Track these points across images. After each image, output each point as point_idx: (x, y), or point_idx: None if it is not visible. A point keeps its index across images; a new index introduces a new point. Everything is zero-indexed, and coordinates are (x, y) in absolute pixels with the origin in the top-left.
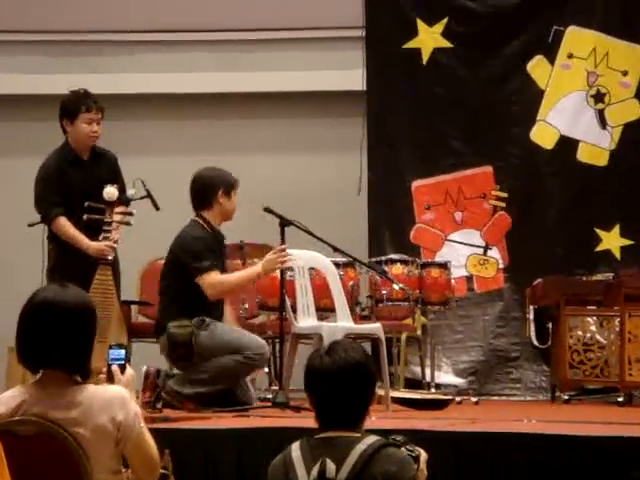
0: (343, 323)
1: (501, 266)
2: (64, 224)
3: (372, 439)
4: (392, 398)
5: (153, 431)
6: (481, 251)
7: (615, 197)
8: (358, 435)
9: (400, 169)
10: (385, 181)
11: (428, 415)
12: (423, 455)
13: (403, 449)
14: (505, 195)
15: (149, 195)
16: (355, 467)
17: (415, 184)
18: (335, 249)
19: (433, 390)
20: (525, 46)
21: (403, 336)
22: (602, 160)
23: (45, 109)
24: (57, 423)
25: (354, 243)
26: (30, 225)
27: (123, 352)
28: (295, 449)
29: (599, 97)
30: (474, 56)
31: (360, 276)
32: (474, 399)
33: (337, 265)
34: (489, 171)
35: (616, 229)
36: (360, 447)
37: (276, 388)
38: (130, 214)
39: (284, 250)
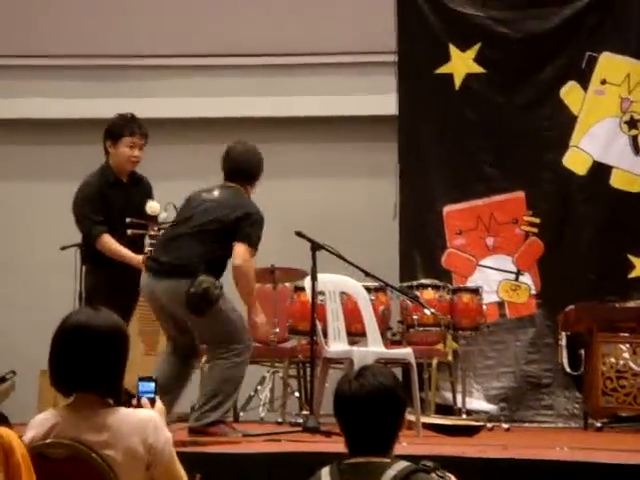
0: (374, 348)
1: (533, 292)
2: (108, 241)
3: (402, 465)
4: (423, 424)
5: (183, 455)
6: (513, 277)
7: None
8: (388, 461)
9: (432, 194)
10: (417, 206)
11: (459, 441)
12: None
13: (433, 475)
14: (537, 221)
15: None
16: None
17: (447, 209)
18: (366, 274)
19: (464, 416)
20: (558, 72)
21: (434, 361)
22: (636, 186)
23: (78, 133)
24: (89, 446)
25: (385, 268)
26: (63, 248)
27: (153, 385)
28: (325, 474)
29: (633, 123)
30: (507, 82)
31: (391, 301)
32: (505, 425)
33: (368, 290)
34: (521, 196)
35: None
36: (390, 473)
37: (307, 413)
38: (167, 223)
39: None
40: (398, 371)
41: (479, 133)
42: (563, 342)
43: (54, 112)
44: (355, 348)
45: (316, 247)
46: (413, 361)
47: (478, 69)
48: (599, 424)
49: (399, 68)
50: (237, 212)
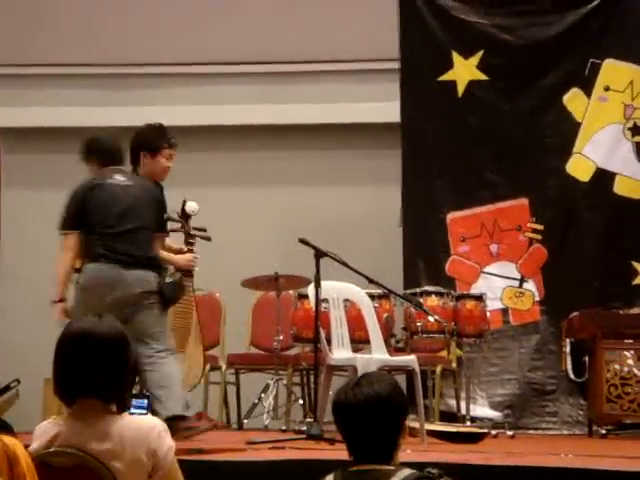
0: (378, 355)
1: (537, 299)
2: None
3: (406, 472)
4: (427, 431)
5: (188, 463)
6: (517, 283)
7: None
8: (392, 468)
9: (435, 201)
10: (420, 213)
11: (463, 448)
12: None
13: None
14: (541, 227)
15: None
16: None
17: (450, 216)
18: (370, 281)
19: (468, 423)
20: (561, 79)
21: (438, 368)
22: (639, 193)
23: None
24: (93, 455)
25: (389, 275)
26: None
27: (145, 402)
28: None
29: (636, 130)
30: (510, 89)
31: (395, 308)
32: (510, 432)
33: (372, 297)
34: (525, 203)
35: None
36: None
37: (310, 420)
38: (202, 230)
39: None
40: (402, 378)
41: (482, 140)
42: (567, 349)
43: (57, 121)
44: (359, 355)
45: (320, 254)
46: (417, 368)
47: (481, 76)
48: (603, 431)
49: (402, 75)
50: (160, 201)
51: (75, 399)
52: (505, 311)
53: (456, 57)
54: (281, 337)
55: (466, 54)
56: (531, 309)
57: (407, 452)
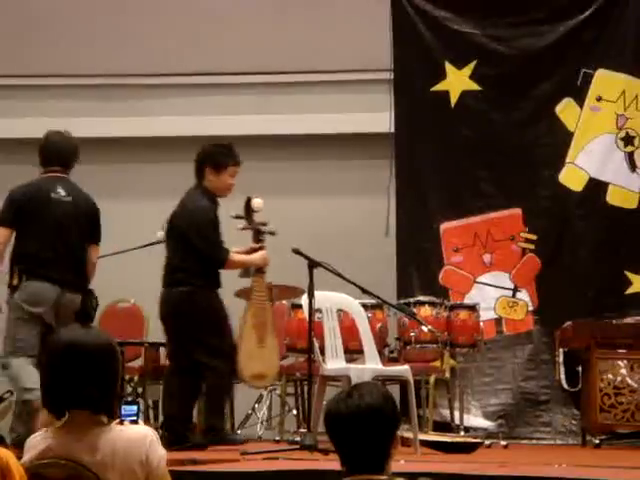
0: (371, 365)
1: (530, 308)
2: (234, 255)
3: None
4: (421, 441)
5: (181, 474)
6: (510, 293)
7: None
8: (385, 478)
9: (428, 211)
10: (413, 223)
11: (457, 458)
12: None
13: None
14: (534, 237)
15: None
16: None
17: (443, 226)
18: (364, 291)
19: (462, 433)
20: (554, 89)
21: (432, 378)
22: (632, 203)
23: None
24: (84, 466)
25: (382, 285)
26: None
27: (135, 408)
28: None
29: (628, 140)
30: (503, 99)
31: (388, 318)
32: (503, 442)
33: (365, 307)
34: (518, 213)
35: None
36: None
37: (304, 431)
38: (264, 224)
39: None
40: (396, 388)
41: (475, 150)
42: (560, 359)
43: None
44: (352, 366)
45: (313, 264)
46: (410, 378)
47: (474, 86)
48: (597, 441)
49: (395, 86)
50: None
51: (65, 411)
52: (498, 321)
53: (449, 67)
54: None
55: (459, 64)
56: (524, 319)
57: (400, 462)
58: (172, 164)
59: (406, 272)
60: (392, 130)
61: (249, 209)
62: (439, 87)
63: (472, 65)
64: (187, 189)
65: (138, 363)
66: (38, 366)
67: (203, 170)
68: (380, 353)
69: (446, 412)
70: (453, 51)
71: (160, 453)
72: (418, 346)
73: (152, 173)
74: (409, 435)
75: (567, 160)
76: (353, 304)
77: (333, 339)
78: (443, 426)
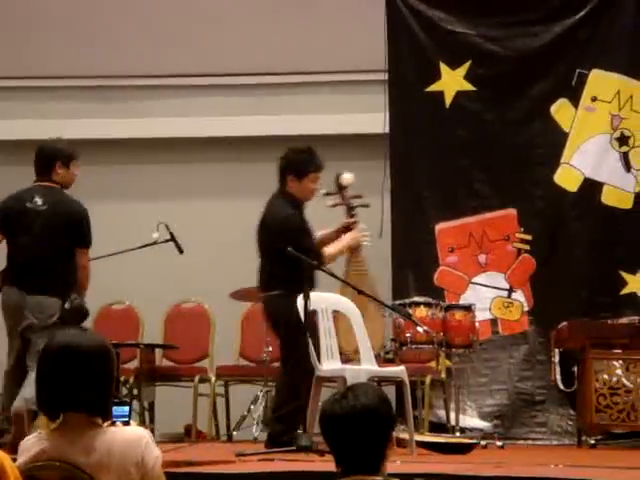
0: (367, 366)
1: (526, 309)
2: (328, 250)
3: None
4: (416, 442)
5: (177, 476)
6: (505, 294)
7: None
8: (380, 479)
9: (423, 212)
10: (409, 224)
11: (453, 459)
12: None
13: None
14: (529, 238)
15: (173, 239)
16: None
17: (439, 227)
18: (359, 292)
19: (458, 434)
20: (548, 89)
21: (427, 379)
22: (627, 203)
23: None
24: (79, 467)
25: (377, 286)
26: None
27: (127, 409)
28: None
29: (623, 140)
30: (497, 99)
31: (384, 319)
32: (499, 443)
33: None
34: (513, 214)
35: None
36: None
37: (300, 431)
38: (358, 197)
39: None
40: (391, 389)
41: (470, 150)
42: (556, 359)
43: (44, 133)
44: (348, 366)
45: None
46: (406, 379)
47: (468, 87)
48: (593, 441)
49: (389, 86)
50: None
51: (59, 413)
52: (494, 321)
53: (444, 68)
54: (270, 348)
55: (453, 65)
56: (520, 319)
57: (396, 463)
58: (170, 165)
59: (401, 273)
60: (387, 131)
61: (339, 185)
62: (434, 87)
63: (467, 65)
64: (185, 190)
65: (133, 364)
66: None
67: (285, 177)
68: (376, 354)
69: (442, 413)
70: (448, 51)
71: (156, 454)
72: (414, 347)
73: (150, 174)
74: (405, 436)
75: (562, 160)
76: (349, 305)
77: (329, 340)
78: (439, 427)
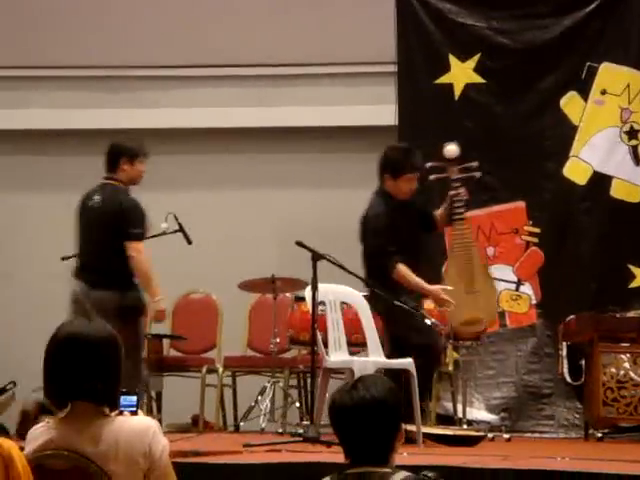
0: (374, 358)
1: (534, 302)
2: (403, 269)
3: (403, 475)
4: (424, 434)
5: (184, 466)
6: (513, 287)
7: None
8: (389, 471)
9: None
10: None
11: (460, 451)
12: None
13: None
14: (538, 230)
15: (181, 229)
16: None
17: None
18: (367, 283)
19: (465, 426)
20: (558, 82)
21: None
22: (636, 196)
23: (78, 144)
24: (87, 457)
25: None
26: (64, 259)
27: (135, 399)
28: None
29: (633, 133)
30: (507, 92)
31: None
32: (506, 436)
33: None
34: (521, 206)
35: None
36: None
37: (307, 423)
38: (472, 169)
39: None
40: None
41: (479, 143)
42: (564, 352)
43: (53, 123)
44: (355, 358)
45: (317, 257)
46: (414, 371)
47: (478, 79)
48: (600, 434)
49: (399, 78)
50: None
51: (67, 402)
52: (502, 314)
53: (453, 60)
54: (278, 340)
55: (463, 57)
56: (528, 312)
57: (403, 455)
58: (179, 156)
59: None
60: (396, 123)
61: (443, 158)
62: (443, 80)
63: (476, 58)
64: (193, 181)
65: None
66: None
67: (383, 175)
68: (383, 346)
69: (449, 405)
70: (457, 44)
71: (163, 444)
72: None
73: (159, 165)
74: (412, 428)
75: (571, 154)
76: (357, 297)
77: (336, 331)
78: (446, 419)
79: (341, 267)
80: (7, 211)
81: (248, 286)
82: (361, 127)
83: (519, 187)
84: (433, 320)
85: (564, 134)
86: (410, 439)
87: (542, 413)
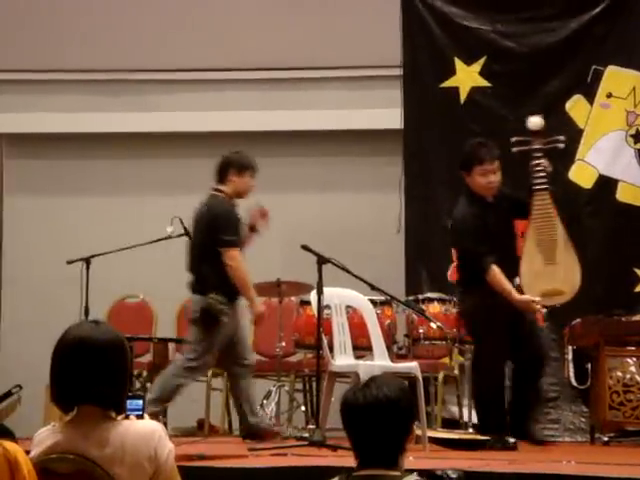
0: (380, 362)
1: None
2: (497, 274)
3: (412, 478)
4: (429, 438)
5: (190, 470)
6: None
7: None
8: (398, 474)
9: (437, 208)
10: (422, 220)
11: (465, 455)
12: None
13: None
14: None
15: (187, 233)
16: None
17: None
18: (372, 287)
19: (470, 430)
20: (564, 85)
21: (440, 375)
22: None
23: (83, 148)
24: (93, 461)
25: (391, 281)
26: (69, 262)
27: (141, 402)
28: None
29: (638, 137)
30: (512, 95)
31: (397, 314)
32: (512, 440)
33: (374, 303)
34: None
35: None
36: None
37: (313, 426)
38: (558, 141)
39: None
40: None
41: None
42: (569, 356)
43: (60, 126)
44: (361, 362)
45: (322, 261)
46: (419, 375)
47: (483, 83)
48: (606, 438)
49: (404, 82)
50: None
51: (73, 405)
52: None
53: (458, 63)
54: (283, 343)
55: (468, 60)
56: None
57: (409, 459)
58: (185, 159)
59: (415, 268)
60: (402, 126)
61: (528, 130)
62: (448, 83)
63: (482, 61)
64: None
65: (147, 358)
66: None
67: (461, 173)
68: (389, 349)
69: (455, 409)
70: (463, 47)
71: (169, 448)
72: (427, 343)
73: (165, 168)
74: (418, 432)
75: (577, 157)
76: (362, 300)
77: (342, 335)
78: (452, 423)
79: (346, 271)
80: (13, 215)
81: (258, 290)
82: (366, 131)
83: (524, 190)
84: (439, 324)
85: (570, 137)
86: (416, 442)
87: (548, 417)
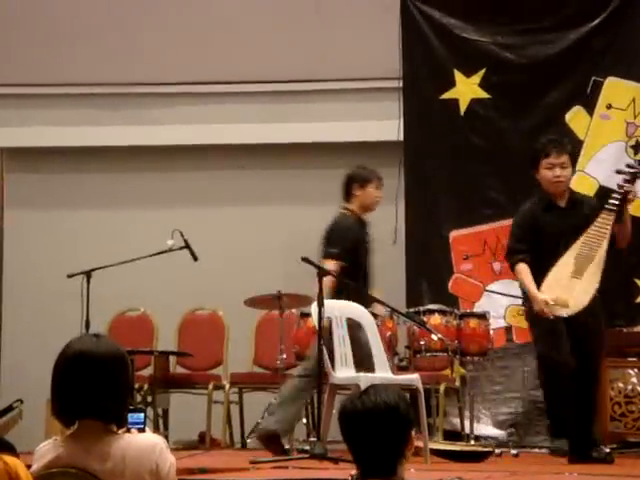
0: (381, 374)
1: None
2: (521, 271)
3: None
4: (431, 450)
5: None
6: (520, 302)
7: None
8: None
9: (438, 219)
10: (423, 231)
11: (467, 467)
12: None
13: None
14: None
15: (187, 246)
16: None
17: (453, 234)
18: (373, 299)
19: (472, 442)
20: (563, 97)
21: (442, 387)
22: None
23: (84, 162)
24: (94, 475)
25: (392, 293)
26: (70, 276)
27: (142, 416)
28: None
29: (638, 148)
30: (512, 107)
31: (398, 326)
32: (514, 451)
33: (375, 315)
34: None
35: None
36: None
37: (314, 439)
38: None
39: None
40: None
41: (485, 158)
42: None
43: (60, 140)
44: (362, 374)
45: (322, 273)
46: (420, 387)
47: (483, 94)
48: (607, 449)
49: (404, 94)
50: None
51: (74, 420)
52: (508, 329)
53: (458, 75)
54: (284, 356)
55: (468, 72)
56: None
57: (411, 471)
58: (185, 172)
59: (416, 280)
60: (401, 138)
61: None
62: (448, 95)
63: (481, 73)
64: (199, 197)
65: (148, 372)
66: None
67: (533, 174)
68: (390, 361)
69: (456, 421)
70: (462, 59)
71: (170, 461)
72: (428, 354)
73: (165, 181)
74: (419, 444)
75: (577, 168)
76: (363, 312)
77: (342, 347)
78: (453, 435)
79: (346, 283)
80: (15, 229)
81: (254, 302)
82: (366, 143)
83: (524, 202)
84: (440, 335)
85: None
86: (417, 454)
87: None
